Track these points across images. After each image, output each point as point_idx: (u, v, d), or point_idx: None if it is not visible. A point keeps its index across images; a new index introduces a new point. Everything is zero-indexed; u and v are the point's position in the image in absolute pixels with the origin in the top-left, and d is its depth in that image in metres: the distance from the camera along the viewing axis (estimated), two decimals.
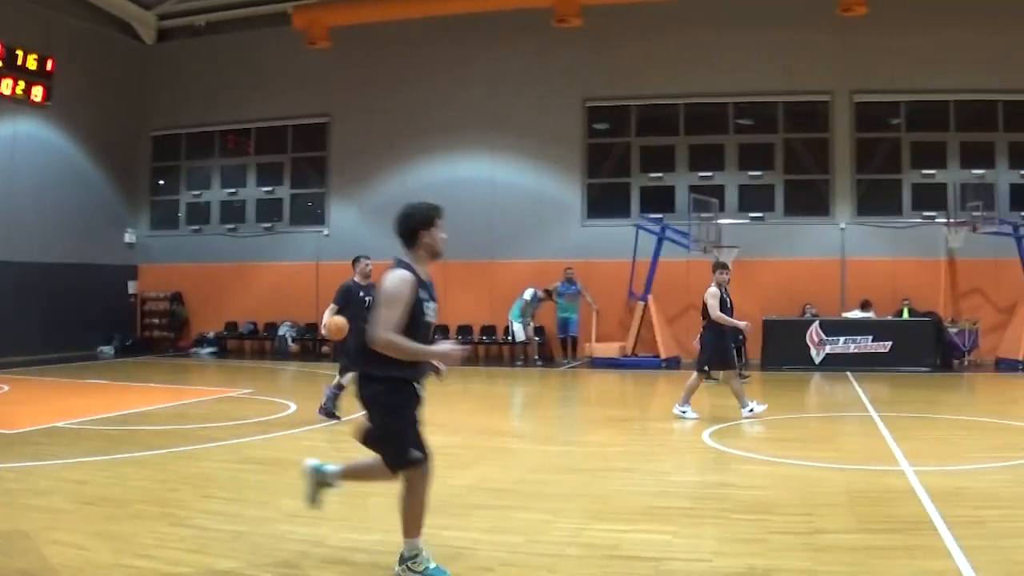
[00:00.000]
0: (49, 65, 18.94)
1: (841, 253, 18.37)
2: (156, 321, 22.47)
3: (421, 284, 4.44)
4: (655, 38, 19.25)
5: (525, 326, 18.55)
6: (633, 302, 18.42)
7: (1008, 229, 16.83)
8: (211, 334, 21.79)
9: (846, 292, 18.20)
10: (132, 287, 22.71)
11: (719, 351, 10.61)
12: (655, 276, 18.02)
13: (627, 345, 18.22)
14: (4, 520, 5.58)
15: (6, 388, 13.59)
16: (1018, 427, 9.80)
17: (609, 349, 18.22)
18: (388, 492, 4.80)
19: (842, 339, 16.73)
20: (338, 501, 5.36)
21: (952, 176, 18.12)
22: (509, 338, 19.11)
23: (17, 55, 18.22)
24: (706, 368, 10.78)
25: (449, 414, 10.58)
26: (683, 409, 10.56)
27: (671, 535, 5.35)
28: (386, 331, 4.28)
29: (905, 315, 17.33)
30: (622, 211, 19.68)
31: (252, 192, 22.46)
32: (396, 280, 4.37)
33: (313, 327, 19.90)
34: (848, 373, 15.54)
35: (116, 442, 8.71)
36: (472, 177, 20.30)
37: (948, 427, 9.90)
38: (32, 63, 18.59)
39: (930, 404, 11.96)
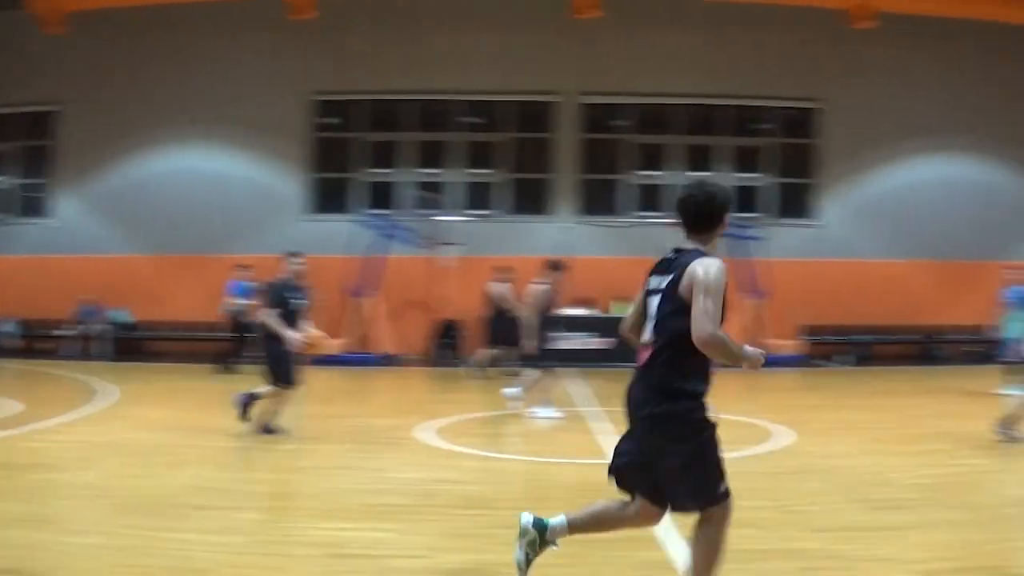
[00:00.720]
0: None
1: (566, 251, 18.96)
2: None
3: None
4: (388, 34, 18.91)
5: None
6: (355, 298, 17.96)
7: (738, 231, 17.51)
8: None
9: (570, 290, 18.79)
10: None
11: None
12: (377, 273, 17.68)
13: (347, 341, 17.70)
14: None
15: None
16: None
17: (329, 346, 17.56)
18: None
19: (567, 336, 17.20)
20: None
21: (674, 178, 19.10)
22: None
23: None
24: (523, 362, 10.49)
25: (163, 412, 10.32)
26: (535, 408, 10.21)
27: (394, 532, 5.35)
28: (716, 327, 3.65)
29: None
30: (351, 207, 19.23)
31: None
32: (719, 270, 3.73)
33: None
34: (573, 369, 15.87)
35: None
36: (202, 170, 19.40)
37: None
38: None
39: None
